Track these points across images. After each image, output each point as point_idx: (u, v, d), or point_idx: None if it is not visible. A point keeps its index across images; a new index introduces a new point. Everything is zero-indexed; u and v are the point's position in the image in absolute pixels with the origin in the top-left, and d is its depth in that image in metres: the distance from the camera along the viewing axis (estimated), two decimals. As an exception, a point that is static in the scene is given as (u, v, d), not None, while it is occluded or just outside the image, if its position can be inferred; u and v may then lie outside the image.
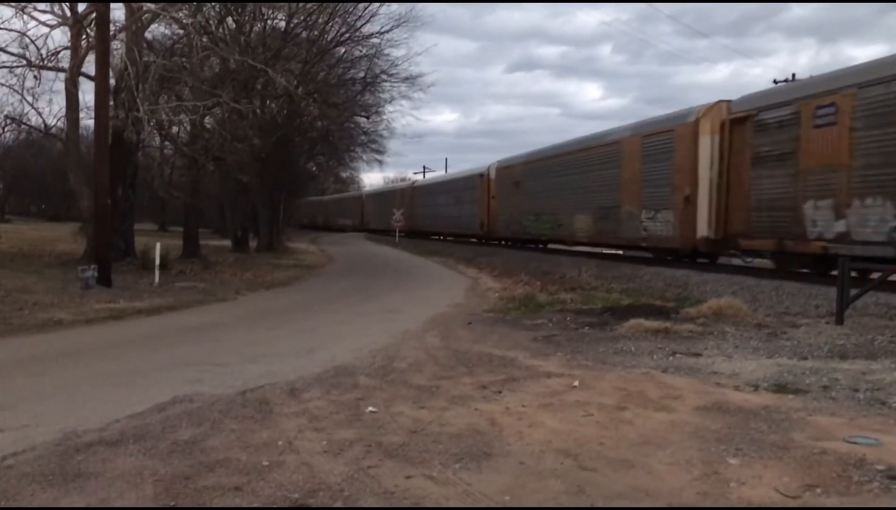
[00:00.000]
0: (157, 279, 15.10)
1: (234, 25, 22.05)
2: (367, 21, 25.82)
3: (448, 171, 65.96)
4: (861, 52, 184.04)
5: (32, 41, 17.34)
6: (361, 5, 24.84)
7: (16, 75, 17.45)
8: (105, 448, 4.40)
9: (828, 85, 12.96)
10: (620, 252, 22.64)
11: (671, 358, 7.35)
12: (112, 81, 15.75)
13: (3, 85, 17.97)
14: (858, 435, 4.59)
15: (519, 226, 27.32)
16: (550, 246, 26.47)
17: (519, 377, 6.50)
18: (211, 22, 18.69)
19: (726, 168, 15.52)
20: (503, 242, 30.79)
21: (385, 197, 54.84)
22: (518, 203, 27.35)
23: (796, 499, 3.65)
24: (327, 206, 73.27)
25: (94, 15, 14.99)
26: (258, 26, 23.28)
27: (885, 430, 4.72)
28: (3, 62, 17.40)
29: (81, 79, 17.31)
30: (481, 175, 32.48)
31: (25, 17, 17.03)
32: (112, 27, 15.49)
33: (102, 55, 14.17)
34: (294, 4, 22.62)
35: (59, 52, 17.72)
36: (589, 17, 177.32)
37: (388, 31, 26.48)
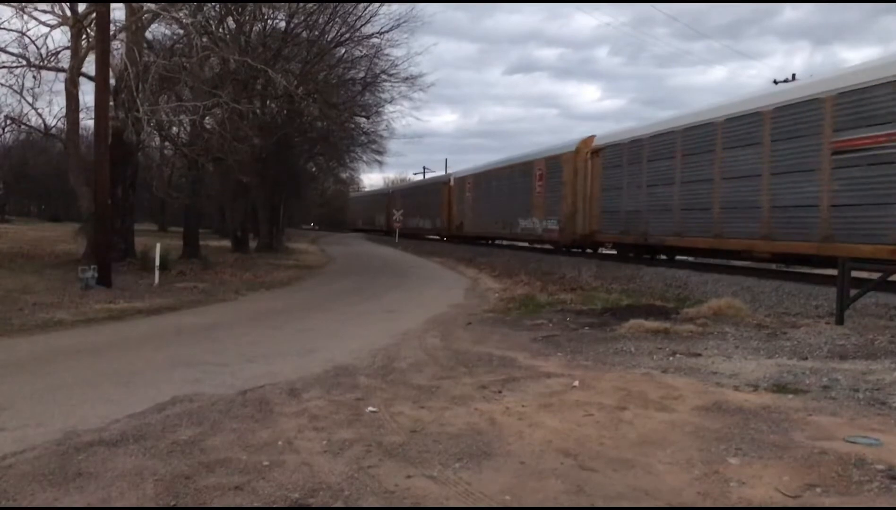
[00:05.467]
0: (157, 279, 15.10)
1: (234, 25, 22.08)
2: (367, 21, 25.87)
3: (449, 170, 54.55)
4: (854, 55, 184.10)
5: (32, 41, 17.36)
6: (361, 5, 24.87)
7: (15, 75, 17.44)
8: (105, 448, 4.40)
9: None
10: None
11: (671, 358, 7.35)
12: (112, 82, 15.75)
13: (2, 85, 17.97)
14: (858, 435, 4.59)
15: None
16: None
17: (519, 377, 6.50)
18: (211, 22, 18.69)
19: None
20: None
21: (498, 179, 31.38)
22: None
23: (796, 498, 3.65)
24: (392, 202, 52.25)
25: (94, 15, 14.99)
26: (258, 26, 23.31)
27: (885, 430, 4.72)
28: (3, 62, 17.38)
29: (81, 79, 17.31)
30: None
31: (25, 17, 17.05)
32: (112, 27, 15.49)
33: (102, 55, 14.17)
34: (294, 4, 22.64)
35: (58, 53, 17.72)
36: (588, 18, 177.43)
37: (387, 32, 26.51)
